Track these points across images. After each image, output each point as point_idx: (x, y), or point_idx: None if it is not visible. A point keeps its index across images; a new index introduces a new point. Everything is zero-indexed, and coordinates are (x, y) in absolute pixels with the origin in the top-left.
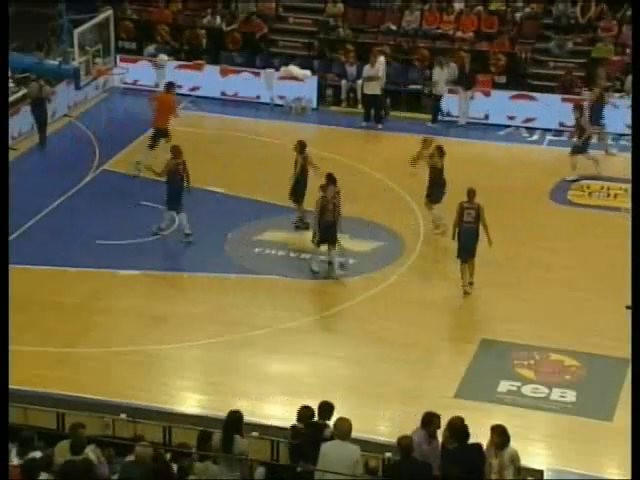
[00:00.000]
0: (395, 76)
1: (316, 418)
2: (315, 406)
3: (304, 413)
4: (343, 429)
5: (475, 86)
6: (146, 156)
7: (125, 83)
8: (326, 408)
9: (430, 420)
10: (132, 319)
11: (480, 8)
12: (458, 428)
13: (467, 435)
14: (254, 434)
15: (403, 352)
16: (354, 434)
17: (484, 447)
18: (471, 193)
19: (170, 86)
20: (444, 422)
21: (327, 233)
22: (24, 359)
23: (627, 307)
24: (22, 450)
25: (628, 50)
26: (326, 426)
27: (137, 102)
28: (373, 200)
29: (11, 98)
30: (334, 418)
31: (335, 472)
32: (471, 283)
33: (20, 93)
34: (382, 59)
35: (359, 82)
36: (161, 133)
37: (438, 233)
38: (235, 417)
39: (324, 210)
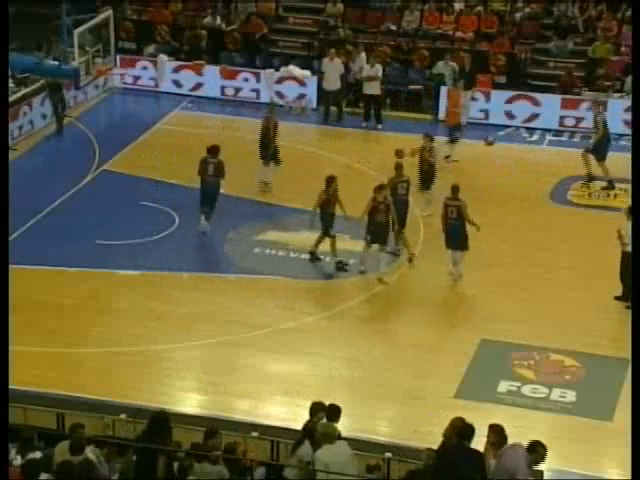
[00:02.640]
0: (395, 76)
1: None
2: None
3: (316, 407)
4: (330, 434)
5: (475, 86)
6: (451, 150)
7: (125, 83)
8: (334, 410)
9: (535, 448)
10: (132, 319)
11: (480, 8)
12: (462, 429)
13: (467, 436)
14: (254, 434)
15: (403, 352)
16: (355, 434)
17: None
18: (455, 189)
19: (460, 79)
20: (445, 422)
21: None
22: (24, 359)
23: (627, 306)
24: (22, 450)
25: (623, 49)
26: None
27: (137, 102)
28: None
29: (11, 98)
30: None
31: (337, 472)
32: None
33: (20, 93)
34: (363, 55)
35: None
36: (456, 128)
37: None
38: (308, 427)
39: (375, 211)
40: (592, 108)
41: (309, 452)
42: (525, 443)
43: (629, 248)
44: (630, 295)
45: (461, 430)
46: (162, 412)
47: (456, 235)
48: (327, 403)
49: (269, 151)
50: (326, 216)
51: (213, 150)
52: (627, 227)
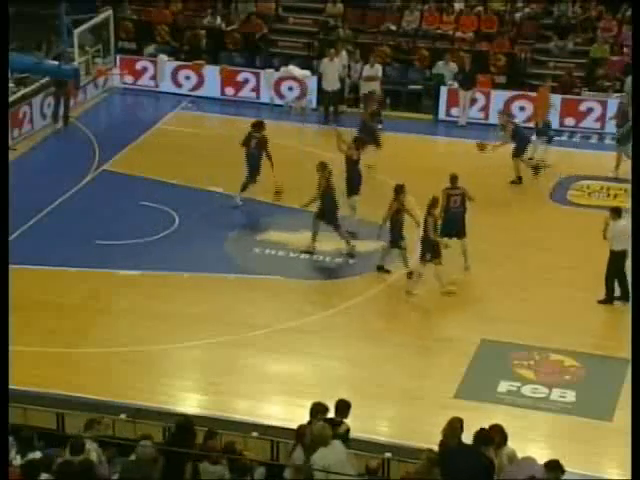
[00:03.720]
0: (395, 76)
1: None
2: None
3: (317, 409)
4: (323, 436)
5: (475, 86)
6: (543, 152)
7: (125, 83)
8: (343, 405)
9: (554, 467)
10: (132, 319)
11: (480, 8)
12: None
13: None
14: (254, 434)
15: (403, 352)
16: (355, 434)
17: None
18: (454, 179)
19: (546, 80)
20: (444, 422)
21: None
22: (24, 359)
23: (599, 301)
24: (22, 450)
25: (624, 49)
26: (342, 423)
27: (137, 102)
28: (373, 200)
29: (11, 98)
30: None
31: (336, 473)
32: (467, 268)
33: (20, 93)
34: (344, 54)
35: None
36: (547, 127)
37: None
38: (300, 431)
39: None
40: (500, 119)
41: (300, 456)
42: (540, 460)
43: (615, 247)
44: (612, 294)
45: (481, 435)
46: (186, 418)
47: (457, 222)
48: (327, 403)
49: (370, 136)
50: (397, 227)
51: (257, 125)
52: (612, 227)
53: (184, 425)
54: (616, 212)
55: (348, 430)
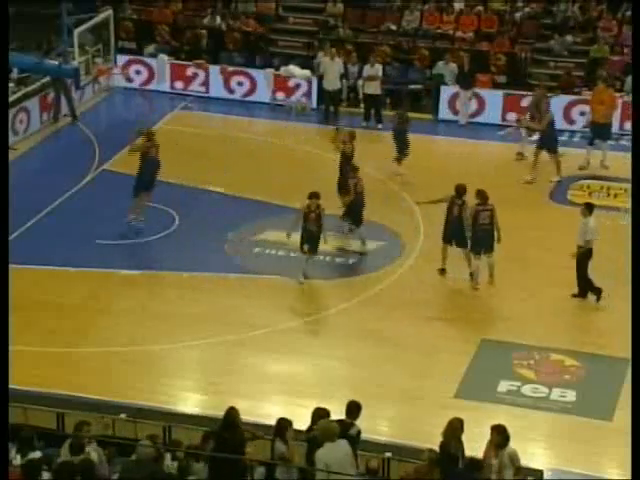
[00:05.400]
0: (395, 76)
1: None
2: (313, 407)
3: (319, 413)
4: (330, 433)
5: (475, 86)
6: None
7: (127, 81)
8: (354, 407)
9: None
10: (132, 319)
11: (480, 8)
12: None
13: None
14: None
15: (403, 352)
16: None
17: (484, 448)
18: (484, 194)
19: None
20: (445, 422)
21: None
22: (24, 359)
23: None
24: (22, 450)
25: (626, 50)
26: (353, 425)
27: (137, 102)
28: (373, 200)
29: (11, 98)
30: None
31: (337, 472)
32: (491, 282)
33: (20, 93)
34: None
35: (359, 82)
36: (599, 128)
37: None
38: (279, 424)
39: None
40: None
41: (282, 449)
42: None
43: (580, 242)
44: (594, 288)
45: (472, 463)
46: (233, 410)
47: (488, 239)
48: (327, 403)
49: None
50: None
51: (400, 108)
52: (583, 223)
53: (227, 420)
54: (588, 208)
55: (359, 432)
